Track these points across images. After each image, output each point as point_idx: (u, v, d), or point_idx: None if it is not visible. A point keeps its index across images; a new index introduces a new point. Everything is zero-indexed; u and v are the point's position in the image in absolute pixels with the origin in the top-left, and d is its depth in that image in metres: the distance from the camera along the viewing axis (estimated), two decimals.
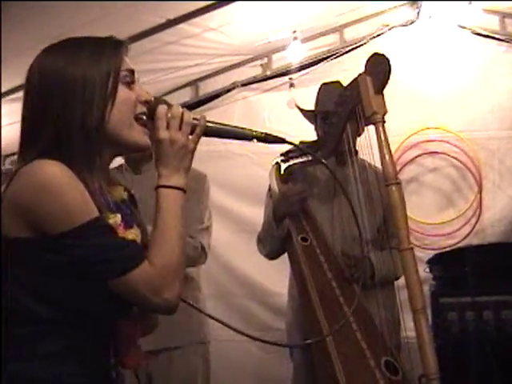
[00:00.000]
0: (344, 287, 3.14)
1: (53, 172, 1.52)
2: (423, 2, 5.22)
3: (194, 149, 1.71)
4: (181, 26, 4.53)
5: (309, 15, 4.98)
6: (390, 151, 2.69)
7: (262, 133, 1.80)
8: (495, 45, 5.16)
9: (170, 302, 1.58)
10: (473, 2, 5.02)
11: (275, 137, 1.82)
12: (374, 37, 5.33)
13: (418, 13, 5.28)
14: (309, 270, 3.15)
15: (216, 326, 4.74)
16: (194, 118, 1.70)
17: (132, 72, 1.71)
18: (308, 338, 3.14)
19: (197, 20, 4.54)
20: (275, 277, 4.83)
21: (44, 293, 1.57)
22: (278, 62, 5.55)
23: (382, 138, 2.67)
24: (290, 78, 5.38)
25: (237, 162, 5.39)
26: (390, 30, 5.33)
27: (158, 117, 1.67)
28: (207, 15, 4.50)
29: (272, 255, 3.62)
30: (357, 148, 3.39)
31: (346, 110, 3.00)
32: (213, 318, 1.94)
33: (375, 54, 2.80)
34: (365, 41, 5.32)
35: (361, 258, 3.28)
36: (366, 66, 2.79)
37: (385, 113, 2.70)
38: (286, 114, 5.20)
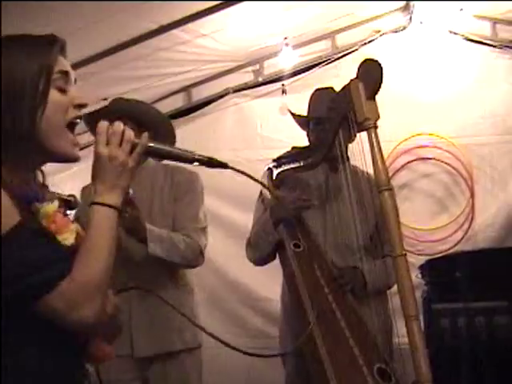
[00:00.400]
0: (336, 294, 3.13)
1: None
2: (414, 9, 5.23)
3: (134, 168, 1.67)
4: (173, 31, 4.53)
5: (301, 21, 4.98)
6: (383, 157, 2.68)
7: (205, 157, 1.77)
8: (487, 51, 5.18)
9: (86, 318, 1.51)
10: (464, 7, 5.04)
11: (219, 162, 1.79)
12: (366, 43, 5.36)
13: (410, 18, 5.30)
14: (301, 277, 3.14)
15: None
16: (135, 136, 1.66)
17: (66, 73, 1.65)
18: (300, 345, 3.13)
19: (189, 26, 4.54)
20: (267, 282, 4.82)
21: None
22: (270, 68, 5.56)
23: (375, 143, 2.66)
24: (283, 85, 5.40)
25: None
26: (381, 35, 5.36)
27: (98, 132, 1.64)
28: (199, 21, 4.51)
29: (262, 261, 3.61)
30: (349, 154, 3.38)
31: (338, 115, 2.99)
32: (197, 325, 1.91)
33: (367, 59, 2.79)
34: (357, 47, 5.35)
35: (351, 269, 3.29)
36: (358, 72, 2.78)
37: (377, 118, 2.69)
38: (279, 120, 5.21)
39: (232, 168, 1.80)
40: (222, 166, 1.79)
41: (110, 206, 1.62)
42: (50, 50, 1.63)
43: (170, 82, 5.28)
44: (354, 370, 2.79)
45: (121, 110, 3.29)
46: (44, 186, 1.76)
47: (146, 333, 3.31)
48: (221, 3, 4.38)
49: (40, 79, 1.59)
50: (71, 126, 1.66)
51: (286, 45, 5.14)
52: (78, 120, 1.67)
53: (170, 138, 3.55)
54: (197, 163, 1.77)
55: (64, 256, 1.56)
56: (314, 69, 5.43)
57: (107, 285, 1.59)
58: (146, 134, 1.69)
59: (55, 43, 1.65)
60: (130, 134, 1.64)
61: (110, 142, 1.62)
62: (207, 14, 4.45)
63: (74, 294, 1.49)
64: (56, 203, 1.62)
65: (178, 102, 5.68)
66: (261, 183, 1.92)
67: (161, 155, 1.78)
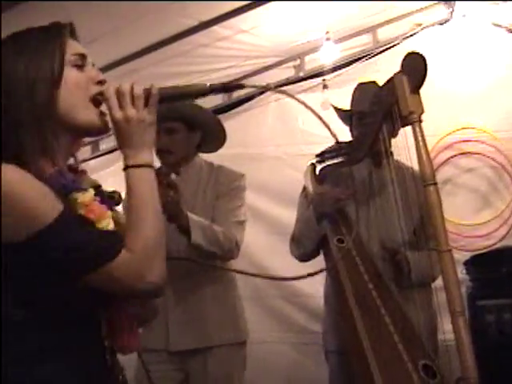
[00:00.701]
0: (381, 289, 3.11)
1: (4, 179, 1.45)
2: (457, 2, 5.16)
3: (153, 120, 1.64)
4: (213, 28, 4.54)
5: (341, 15, 4.95)
6: (428, 151, 2.65)
7: (219, 84, 1.70)
8: None
9: (154, 284, 1.54)
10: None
11: (234, 84, 1.75)
12: (408, 37, 5.29)
13: (452, 12, 5.23)
14: (345, 272, 3.13)
15: (251, 328, 4.78)
16: (144, 89, 1.62)
17: (82, 55, 1.66)
18: (344, 342, 3.12)
19: (229, 22, 4.54)
20: (310, 279, 4.77)
21: (23, 296, 1.53)
22: (311, 63, 5.52)
23: (419, 137, 2.63)
24: (324, 80, 5.36)
25: (271, 164, 5.38)
26: (423, 29, 5.28)
27: (107, 97, 1.61)
28: (240, 17, 4.51)
29: (305, 256, 3.60)
30: (392, 149, 3.35)
31: (382, 109, 2.97)
32: None
33: (411, 52, 2.76)
34: (398, 41, 5.28)
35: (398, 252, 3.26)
36: (401, 65, 2.75)
37: (421, 112, 2.66)
38: (320, 115, 5.17)
39: (250, 86, 1.72)
40: (239, 86, 1.74)
41: (141, 165, 1.61)
42: (60, 35, 1.64)
43: (210, 79, 5.27)
44: (398, 367, 2.76)
45: (169, 112, 3.34)
46: (79, 172, 1.77)
47: (182, 327, 3.33)
48: None
49: (53, 61, 1.60)
50: (96, 102, 1.66)
51: (328, 39, 5.10)
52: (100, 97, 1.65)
53: (221, 137, 3.57)
54: (213, 92, 1.70)
55: (114, 233, 1.59)
56: (355, 63, 5.38)
57: (164, 247, 1.59)
58: (153, 84, 1.64)
59: (63, 28, 1.67)
60: (139, 89, 1.60)
61: (122, 104, 1.59)
62: (247, 10, 4.46)
63: (136, 263, 1.51)
64: (91, 191, 1.62)
65: (218, 98, 5.67)
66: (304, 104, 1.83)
67: (176, 97, 1.71)
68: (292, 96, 1.76)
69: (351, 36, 5.38)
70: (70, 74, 1.62)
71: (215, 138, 3.64)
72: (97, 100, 1.65)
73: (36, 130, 1.57)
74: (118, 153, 4.64)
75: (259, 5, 4.42)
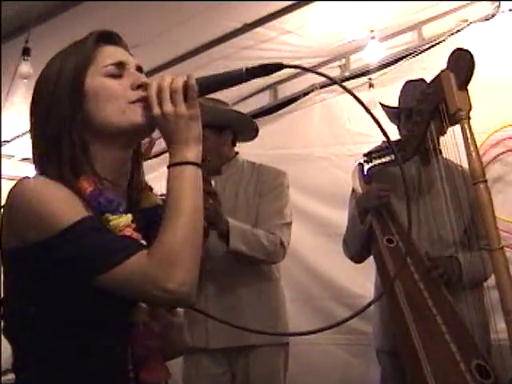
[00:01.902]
0: (431, 289, 3.08)
1: (28, 186, 1.49)
2: None
3: (195, 114, 1.53)
4: (257, 29, 4.54)
5: (386, 14, 4.91)
6: (477, 149, 2.63)
7: (256, 66, 1.58)
8: None
9: (174, 293, 1.41)
10: None
11: (272, 64, 1.59)
12: (453, 33, 5.21)
13: (498, 6, 5.15)
14: (395, 272, 3.10)
15: (299, 330, 4.74)
16: (183, 83, 1.53)
17: (118, 64, 1.62)
18: (396, 342, 3.09)
19: (273, 23, 4.54)
20: (359, 279, 4.79)
21: (42, 302, 1.52)
22: (356, 62, 5.49)
23: (468, 135, 2.61)
24: (369, 79, 5.32)
25: (318, 164, 5.35)
26: (469, 25, 5.20)
27: (148, 95, 1.55)
28: (283, 18, 4.51)
29: (357, 257, 3.59)
30: (441, 147, 3.32)
31: (430, 107, 2.95)
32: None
33: (458, 49, 2.74)
34: (444, 37, 5.20)
35: (446, 258, 3.22)
36: (448, 62, 2.73)
37: (470, 109, 2.63)
38: (366, 114, 5.14)
39: (288, 66, 1.61)
40: (277, 66, 1.59)
41: (184, 162, 1.52)
42: (88, 47, 1.62)
43: (255, 80, 5.25)
44: (451, 367, 2.74)
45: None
46: (142, 189, 1.76)
47: (221, 325, 3.32)
48: None
49: (75, 74, 1.58)
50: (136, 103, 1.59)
51: (373, 38, 5.07)
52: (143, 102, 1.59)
53: (252, 134, 3.58)
54: (251, 77, 1.59)
55: (131, 238, 1.52)
56: (401, 62, 5.33)
57: (195, 252, 1.46)
58: (190, 74, 1.56)
59: (95, 38, 1.64)
60: (176, 83, 1.52)
61: (161, 100, 1.52)
62: (291, 11, 4.45)
63: (151, 268, 1.42)
64: (129, 217, 1.55)
65: (264, 99, 5.69)
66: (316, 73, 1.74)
67: (215, 87, 1.61)
68: (346, 89, 1.68)
69: (396, 34, 5.32)
70: (103, 86, 1.59)
71: (245, 127, 3.63)
72: (138, 104, 1.59)
73: (66, 145, 1.55)
74: (163, 157, 4.69)
75: (303, 5, 4.41)
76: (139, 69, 1.67)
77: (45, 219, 1.44)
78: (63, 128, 1.55)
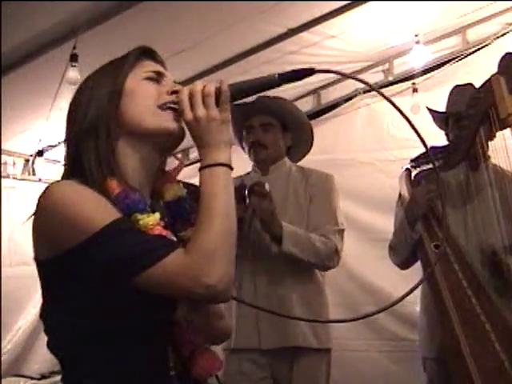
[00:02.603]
0: (480, 296, 3.04)
1: (57, 192, 1.50)
2: None
3: (227, 118, 1.56)
4: (301, 34, 4.54)
5: (430, 17, 4.88)
6: None
7: (288, 72, 1.56)
8: None
9: (213, 288, 1.42)
10: None
11: (304, 69, 1.57)
12: (498, 37, 5.16)
13: None
14: (443, 279, 3.07)
15: (342, 336, 4.71)
16: (216, 88, 1.55)
17: (157, 73, 1.67)
18: (443, 350, 3.05)
19: (317, 28, 4.54)
20: (403, 285, 4.68)
21: (80, 309, 1.52)
22: (400, 67, 5.46)
23: None
24: (413, 83, 5.28)
25: (361, 170, 5.33)
26: None
27: (180, 100, 1.58)
28: (327, 22, 4.51)
29: (404, 263, 3.55)
30: (490, 152, 3.27)
31: (479, 112, 2.91)
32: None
33: (509, 53, 2.70)
34: (489, 41, 5.15)
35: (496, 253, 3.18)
36: (498, 66, 2.70)
37: None
38: (410, 119, 5.11)
39: (320, 71, 1.59)
40: (309, 71, 1.56)
41: (213, 164, 1.54)
42: (128, 57, 1.67)
43: (299, 85, 5.27)
44: (500, 376, 2.70)
45: (266, 107, 3.36)
46: (168, 181, 1.78)
47: (272, 325, 3.32)
48: (349, 3, 4.36)
49: (115, 77, 1.63)
50: (163, 108, 1.63)
51: (417, 42, 5.03)
52: (175, 106, 1.62)
53: (309, 140, 3.59)
54: (284, 82, 1.57)
55: (165, 237, 1.54)
56: (445, 66, 5.29)
57: (230, 249, 1.49)
58: (222, 80, 1.58)
59: (133, 52, 1.69)
60: (210, 88, 1.55)
61: (193, 105, 1.55)
62: (335, 16, 4.44)
63: (190, 264, 1.43)
64: (157, 215, 1.56)
65: (307, 104, 5.68)
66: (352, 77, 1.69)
67: (247, 92, 1.61)
68: (382, 94, 1.67)
69: (440, 38, 5.28)
70: (140, 86, 1.64)
71: (304, 142, 3.64)
72: (165, 107, 1.63)
73: (96, 146, 1.58)
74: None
75: (347, 10, 4.40)
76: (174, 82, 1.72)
77: (77, 223, 1.44)
78: (100, 121, 1.59)
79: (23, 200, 5.08)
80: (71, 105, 1.68)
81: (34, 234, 1.54)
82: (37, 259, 1.56)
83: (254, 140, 3.51)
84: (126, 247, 1.44)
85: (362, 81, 1.74)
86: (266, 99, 3.42)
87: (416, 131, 1.59)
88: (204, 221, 1.48)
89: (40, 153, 5.09)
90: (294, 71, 1.56)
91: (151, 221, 1.54)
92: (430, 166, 3.33)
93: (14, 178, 5.05)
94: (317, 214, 3.46)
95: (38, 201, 1.51)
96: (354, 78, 1.87)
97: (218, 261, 1.44)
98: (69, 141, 1.64)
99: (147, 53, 1.72)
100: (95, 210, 1.47)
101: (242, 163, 3.59)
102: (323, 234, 3.37)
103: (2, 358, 4.72)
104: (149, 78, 1.65)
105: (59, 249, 1.47)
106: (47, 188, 1.51)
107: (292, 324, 3.32)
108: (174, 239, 1.59)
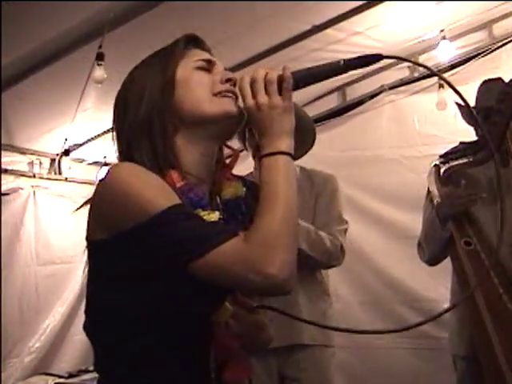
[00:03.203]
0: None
1: (119, 171, 1.49)
2: None
3: (289, 106, 1.53)
4: (327, 31, 4.52)
5: (455, 12, 4.84)
6: None
7: (354, 58, 1.54)
8: None
9: (274, 277, 1.35)
10: None
11: (371, 55, 1.53)
12: None
13: None
14: (474, 277, 3.03)
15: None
16: (279, 75, 1.52)
17: (208, 61, 1.66)
18: (474, 348, 3.02)
19: (343, 24, 4.52)
20: (431, 283, 4.73)
21: (132, 293, 1.51)
22: (426, 62, 5.40)
23: None
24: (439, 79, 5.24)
25: (387, 166, 5.29)
26: None
27: (240, 87, 1.55)
28: (353, 19, 4.49)
29: (433, 260, 3.51)
30: None
31: (509, 106, 2.88)
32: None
33: None
34: None
35: None
36: None
37: None
38: (436, 115, 5.09)
39: (387, 57, 1.56)
40: (377, 57, 1.53)
41: (275, 153, 1.51)
42: (175, 46, 1.67)
43: (324, 83, 5.23)
44: None
45: None
46: (229, 179, 1.75)
47: (277, 323, 3.28)
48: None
49: (165, 67, 1.63)
50: (223, 97, 1.62)
51: (443, 38, 4.99)
52: (231, 94, 1.61)
53: (312, 139, 3.55)
54: (349, 69, 1.55)
55: (223, 225, 1.54)
56: (471, 61, 5.24)
57: (293, 238, 1.43)
58: (286, 66, 1.54)
59: (181, 39, 1.68)
60: (272, 75, 1.52)
61: (255, 92, 1.51)
62: (361, 12, 4.42)
63: (249, 252, 1.37)
64: (217, 214, 1.54)
65: (332, 101, 5.68)
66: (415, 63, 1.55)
67: (312, 80, 1.57)
68: (446, 81, 1.60)
69: (466, 33, 5.23)
70: (193, 75, 1.62)
71: (304, 138, 3.59)
72: (224, 95, 1.61)
73: (157, 132, 1.58)
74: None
75: (373, 6, 4.38)
76: (225, 69, 1.70)
77: (138, 203, 1.42)
78: (154, 114, 1.59)
79: (49, 199, 5.11)
80: (118, 101, 1.67)
81: (92, 214, 1.53)
82: (89, 240, 1.55)
83: (256, 146, 3.47)
84: (184, 232, 1.40)
85: (427, 67, 1.65)
86: None
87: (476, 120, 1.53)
88: (265, 208, 1.44)
89: (66, 152, 5.11)
90: (360, 57, 1.53)
91: (213, 218, 1.53)
92: (460, 161, 3.30)
93: (40, 178, 5.08)
94: (323, 213, 3.46)
95: (100, 180, 1.50)
96: (421, 65, 1.77)
97: (280, 249, 1.39)
98: (118, 139, 1.64)
99: (195, 41, 1.72)
100: (158, 192, 1.46)
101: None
102: (329, 232, 3.39)
103: (30, 357, 4.76)
104: (200, 68, 1.64)
105: (117, 229, 1.46)
106: (111, 168, 1.50)
107: (296, 322, 3.31)
108: None
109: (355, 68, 1.53)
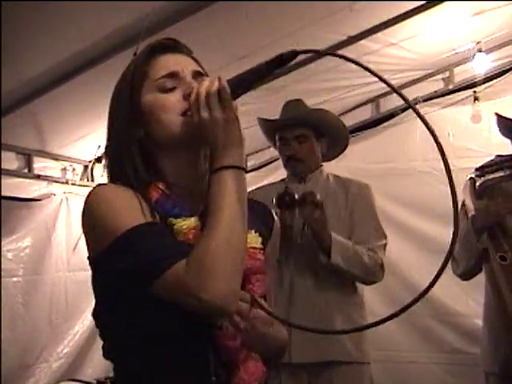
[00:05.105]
0: None
1: (96, 195, 1.52)
2: None
3: (230, 118, 1.45)
4: (361, 42, 4.50)
5: (490, 25, 4.80)
6: None
7: (273, 58, 1.45)
8: None
9: (209, 302, 1.35)
10: None
11: (286, 53, 1.45)
12: None
13: None
14: (508, 291, 2.99)
15: (399, 348, 4.65)
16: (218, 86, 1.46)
17: (171, 75, 1.59)
18: (509, 367, 2.98)
19: (377, 35, 4.49)
20: (462, 297, 4.70)
21: (117, 313, 1.54)
22: (460, 75, 5.39)
23: None
24: (474, 92, 5.20)
25: (420, 179, 5.26)
26: None
27: (191, 102, 1.50)
28: (387, 30, 4.46)
29: (467, 274, 3.48)
30: None
31: None
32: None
33: None
34: None
35: None
36: None
37: None
38: (471, 128, 5.06)
39: (302, 51, 1.45)
40: (293, 53, 1.44)
41: (221, 168, 1.45)
42: (139, 59, 1.65)
43: (358, 94, 5.26)
44: None
45: (297, 119, 3.41)
46: None
47: (304, 339, 3.23)
48: (409, 10, 4.31)
49: (130, 91, 1.61)
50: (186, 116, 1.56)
51: (479, 50, 4.95)
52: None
53: (343, 144, 3.54)
54: (272, 69, 1.46)
55: (180, 244, 1.49)
56: (507, 74, 5.19)
57: (232, 262, 1.40)
58: (219, 76, 1.48)
59: (145, 50, 1.65)
60: (210, 87, 1.46)
61: (198, 107, 1.46)
62: (395, 23, 4.40)
63: (186, 277, 1.36)
64: (193, 220, 1.54)
65: (366, 113, 5.67)
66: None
67: (244, 85, 1.49)
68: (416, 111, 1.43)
69: (502, 45, 5.19)
70: (156, 101, 1.59)
71: (338, 144, 3.58)
72: (187, 114, 1.56)
73: (127, 159, 1.58)
74: (266, 169, 4.69)
75: (407, 17, 4.35)
76: (198, 74, 1.64)
77: (106, 227, 1.46)
78: (122, 143, 1.60)
79: (81, 206, 5.12)
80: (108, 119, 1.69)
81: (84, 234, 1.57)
82: (88, 257, 1.58)
83: (290, 154, 3.46)
84: (134, 259, 1.42)
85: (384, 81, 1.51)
86: (297, 110, 3.46)
87: None
88: (207, 228, 1.42)
89: (99, 159, 5.13)
90: (277, 56, 1.45)
91: (186, 225, 1.52)
92: (496, 175, 3.26)
93: (72, 184, 5.10)
94: (362, 227, 3.41)
95: (84, 202, 1.53)
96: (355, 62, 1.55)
97: (215, 274, 1.37)
98: (106, 151, 1.70)
99: (161, 47, 1.65)
100: (124, 214, 1.48)
101: None
102: (370, 247, 3.34)
103: (59, 363, 4.77)
104: (163, 89, 1.59)
105: (96, 249, 1.51)
106: (91, 191, 1.54)
107: (331, 337, 3.27)
108: None
109: (277, 67, 1.46)
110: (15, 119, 4.08)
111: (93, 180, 5.27)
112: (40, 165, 4.86)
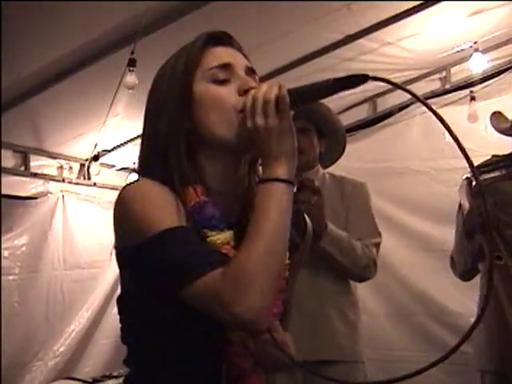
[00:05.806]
0: None
1: (132, 189, 1.48)
2: None
3: (286, 128, 1.41)
4: (359, 41, 4.51)
5: (487, 25, 4.81)
6: None
7: (342, 78, 1.38)
8: None
9: (241, 316, 1.30)
10: None
11: (358, 75, 1.38)
12: None
13: None
14: (503, 291, 3.00)
15: (395, 347, 4.65)
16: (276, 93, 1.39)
17: (224, 66, 1.53)
18: (505, 363, 2.98)
19: (375, 34, 4.50)
20: (458, 296, 4.70)
21: (138, 309, 1.53)
22: (457, 75, 5.40)
23: None
24: (471, 91, 5.21)
25: (416, 178, 5.28)
26: None
27: (244, 106, 1.45)
28: (385, 29, 4.46)
29: (465, 274, 3.48)
30: None
31: None
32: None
33: None
34: None
35: None
36: None
37: None
38: (467, 128, 5.06)
39: (374, 78, 1.40)
40: (364, 77, 1.39)
41: (272, 179, 1.40)
42: (193, 47, 1.56)
43: (355, 93, 5.24)
44: None
45: (302, 111, 3.33)
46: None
47: (304, 338, 3.22)
48: (407, 10, 4.31)
49: (182, 79, 1.53)
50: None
51: (476, 50, 4.96)
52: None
53: (342, 148, 3.53)
54: (339, 88, 1.40)
55: (214, 252, 1.44)
56: (504, 74, 5.20)
57: (270, 277, 1.35)
58: (282, 84, 1.41)
59: (200, 38, 1.58)
60: (269, 93, 1.40)
61: (253, 112, 1.41)
62: (393, 22, 4.40)
63: (220, 288, 1.31)
64: (228, 235, 1.48)
65: (363, 112, 5.68)
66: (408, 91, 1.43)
67: (307, 96, 1.45)
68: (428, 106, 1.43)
69: (499, 45, 5.20)
70: (208, 94, 1.52)
71: (336, 150, 3.57)
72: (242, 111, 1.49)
73: (173, 152, 1.51)
74: None
75: (405, 17, 4.35)
76: (250, 70, 1.58)
77: (139, 224, 1.41)
78: (170, 133, 1.51)
79: (78, 204, 5.14)
80: (146, 110, 1.61)
81: (114, 226, 1.52)
82: (116, 248, 1.55)
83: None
84: (167, 261, 1.38)
85: (412, 94, 1.52)
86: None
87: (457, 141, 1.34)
88: (248, 239, 1.36)
89: (96, 157, 5.13)
90: (346, 76, 1.40)
91: (220, 239, 1.47)
92: (492, 174, 3.26)
93: (69, 182, 5.09)
94: (357, 224, 3.38)
95: (118, 195, 1.49)
96: (406, 91, 1.60)
97: (252, 288, 1.32)
98: (148, 143, 1.59)
99: (215, 38, 1.59)
100: (159, 213, 1.42)
101: None
102: (364, 244, 3.31)
103: (55, 361, 4.77)
104: (215, 81, 1.52)
105: (126, 242, 1.46)
106: (127, 185, 1.50)
107: (326, 336, 3.28)
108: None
109: (343, 88, 1.41)
110: (12, 117, 4.08)
111: (89, 178, 5.26)
112: (37, 163, 4.86)
